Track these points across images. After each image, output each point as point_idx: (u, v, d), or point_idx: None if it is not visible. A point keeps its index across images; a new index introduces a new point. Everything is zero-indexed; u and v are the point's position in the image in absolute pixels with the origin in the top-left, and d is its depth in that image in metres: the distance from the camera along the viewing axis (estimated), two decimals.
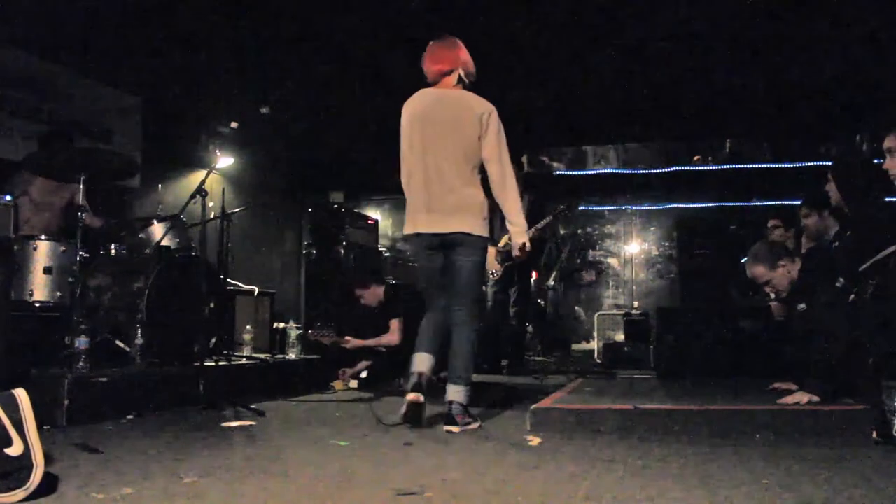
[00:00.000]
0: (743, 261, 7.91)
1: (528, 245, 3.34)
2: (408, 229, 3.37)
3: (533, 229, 6.00)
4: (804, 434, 2.85)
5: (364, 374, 5.24)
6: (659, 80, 6.68)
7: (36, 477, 1.87)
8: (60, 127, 5.31)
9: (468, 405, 3.20)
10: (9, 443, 1.88)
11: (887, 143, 3.00)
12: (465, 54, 3.36)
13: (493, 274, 6.27)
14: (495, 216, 6.29)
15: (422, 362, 3.23)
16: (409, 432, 3.07)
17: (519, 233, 3.33)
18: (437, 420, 3.33)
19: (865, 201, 3.69)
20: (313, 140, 8.07)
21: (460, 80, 3.34)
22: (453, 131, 3.24)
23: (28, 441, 1.89)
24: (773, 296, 3.86)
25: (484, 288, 6.59)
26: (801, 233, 4.87)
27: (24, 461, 1.88)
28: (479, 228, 3.25)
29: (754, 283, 3.79)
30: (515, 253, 3.38)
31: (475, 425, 3.14)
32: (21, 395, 1.95)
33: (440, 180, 3.23)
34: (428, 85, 3.39)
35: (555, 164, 10.90)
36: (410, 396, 3.14)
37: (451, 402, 3.14)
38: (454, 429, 3.06)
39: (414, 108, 3.34)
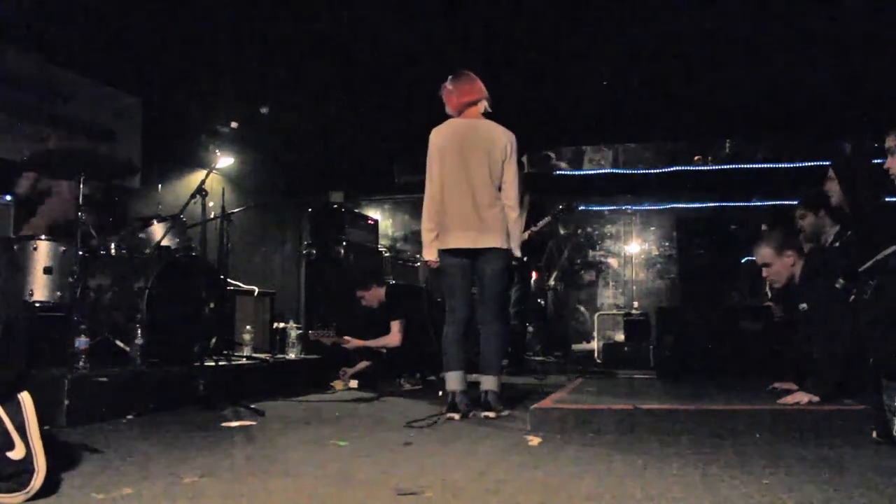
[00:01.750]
0: (743, 261, 7.93)
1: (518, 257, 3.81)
2: (443, 245, 3.68)
3: (530, 230, 6.03)
4: (804, 434, 2.85)
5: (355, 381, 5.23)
6: (659, 80, 6.68)
7: (37, 481, 1.87)
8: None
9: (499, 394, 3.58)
10: (11, 446, 1.88)
11: (888, 143, 3.01)
12: (483, 86, 3.74)
13: None
14: None
15: (455, 381, 3.55)
16: (409, 432, 3.07)
17: (515, 248, 3.74)
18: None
19: (867, 201, 3.69)
20: (313, 140, 8.06)
21: (485, 109, 3.73)
22: (486, 157, 3.63)
23: (30, 444, 1.89)
24: (768, 283, 3.87)
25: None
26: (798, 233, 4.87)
27: (26, 465, 1.88)
28: (505, 242, 3.64)
29: (756, 265, 3.81)
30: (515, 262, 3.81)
31: (507, 412, 3.54)
32: (24, 398, 1.94)
33: (475, 201, 3.60)
34: (448, 116, 3.76)
35: (555, 164, 10.90)
36: (447, 416, 3.42)
37: (486, 392, 3.53)
38: (491, 414, 3.44)
39: (447, 135, 3.70)
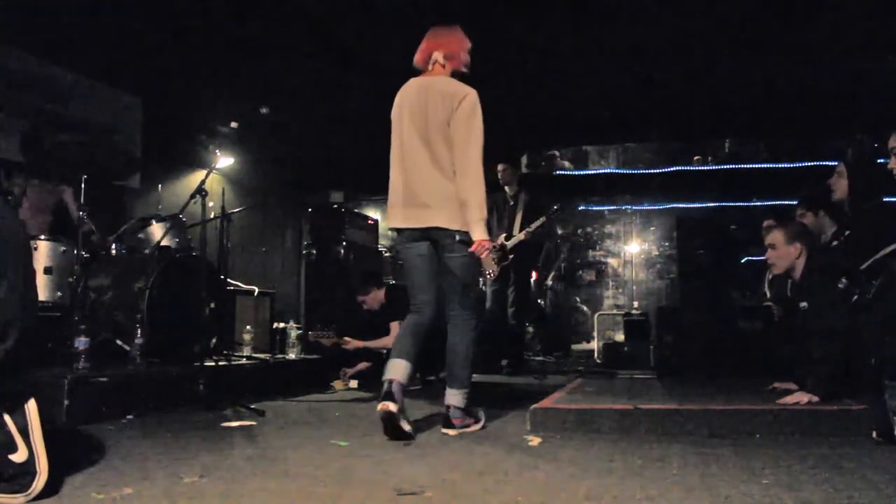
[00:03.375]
0: (743, 260, 7.92)
1: (486, 243, 3.04)
2: (389, 223, 3.23)
3: (525, 231, 6.04)
4: (804, 434, 2.85)
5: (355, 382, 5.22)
6: (659, 80, 6.68)
7: (39, 483, 1.87)
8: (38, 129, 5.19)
9: (470, 405, 3.15)
10: (13, 449, 1.89)
11: (892, 143, 3.01)
12: (452, 40, 3.21)
13: (490, 273, 6.28)
14: (492, 215, 6.36)
15: (395, 369, 3.01)
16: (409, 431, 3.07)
17: (478, 227, 3.01)
18: (436, 421, 3.33)
19: (873, 201, 3.69)
20: (313, 140, 8.06)
21: (446, 67, 3.18)
22: (435, 117, 3.05)
23: (33, 448, 1.90)
24: (767, 278, 3.86)
25: (483, 288, 6.60)
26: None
27: (29, 467, 1.88)
28: (458, 223, 3.02)
29: (756, 265, 3.80)
30: (473, 247, 3.04)
31: (475, 427, 3.11)
32: (30, 404, 1.95)
33: (421, 171, 3.06)
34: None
35: (554, 164, 10.90)
36: (380, 406, 2.88)
37: (448, 407, 3.10)
38: (451, 432, 3.03)
39: (400, 96, 3.22)
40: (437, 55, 3.17)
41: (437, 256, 3.14)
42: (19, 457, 1.88)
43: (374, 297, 5.41)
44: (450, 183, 3.03)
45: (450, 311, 3.16)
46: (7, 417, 1.90)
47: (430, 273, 3.16)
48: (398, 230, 3.17)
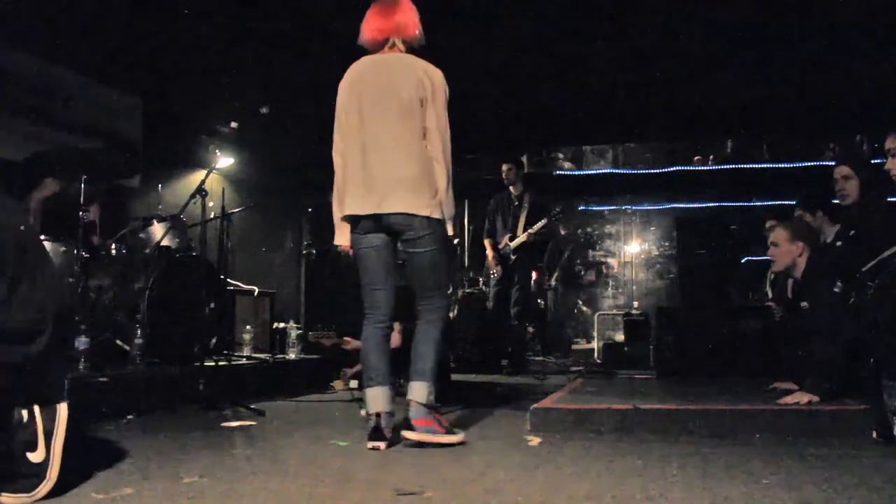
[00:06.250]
0: (743, 260, 7.92)
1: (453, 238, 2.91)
2: (341, 211, 2.87)
3: (528, 233, 6.05)
4: (804, 434, 2.85)
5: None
6: (659, 80, 6.68)
7: (42, 490, 1.88)
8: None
9: (436, 407, 2.82)
10: (33, 448, 1.91)
11: (889, 144, 3.01)
12: (409, 23, 2.90)
13: (493, 274, 6.28)
14: (496, 215, 6.36)
15: (377, 401, 2.74)
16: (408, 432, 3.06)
17: (450, 223, 2.88)
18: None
19: (878, 201, 3.68)
20: (313, 140, 8.05)
21: (403, 49, 2.91)
22: (396, 97, 2.78)
23: (51, 453, 1.92)
24: (768, 277, 3.84)
25: (485, 287, 6.61)
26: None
27: (39, 470, 1.90)
28: (429, 207, 2.75)
29: (757, 265, 3.79)
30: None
31: (446, 437, 2.68)
32: (61, 408, 1.98)
33: (382, 154, 2.76)
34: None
35: (555, 164, 10.90)
36: (370, 446, 2.65)
37: (409, 402, 2.74)
38: (412, 436, 2.67)
39: (350, 79, 2.91)
40: (396, 39, 2.87)
41: (394, 248, 2.87)
42: (36, 457, 1.90)
43: None
44: (416, 166, 2.76)
45: (423, 302, 2.85)
46: (38, 415, 1.93)
47: (387, 266, 2.86)
48: (354, 218, 2.81)
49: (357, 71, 2.92)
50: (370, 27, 2.89)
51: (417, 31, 2.92)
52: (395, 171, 2.75)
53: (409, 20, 2.90)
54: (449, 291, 3.06)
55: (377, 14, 2.90)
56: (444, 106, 2.84)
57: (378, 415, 2.72)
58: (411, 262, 2.84)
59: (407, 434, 2.70)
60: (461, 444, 2.71)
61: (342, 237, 2.93)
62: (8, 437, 1.89)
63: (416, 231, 2.76)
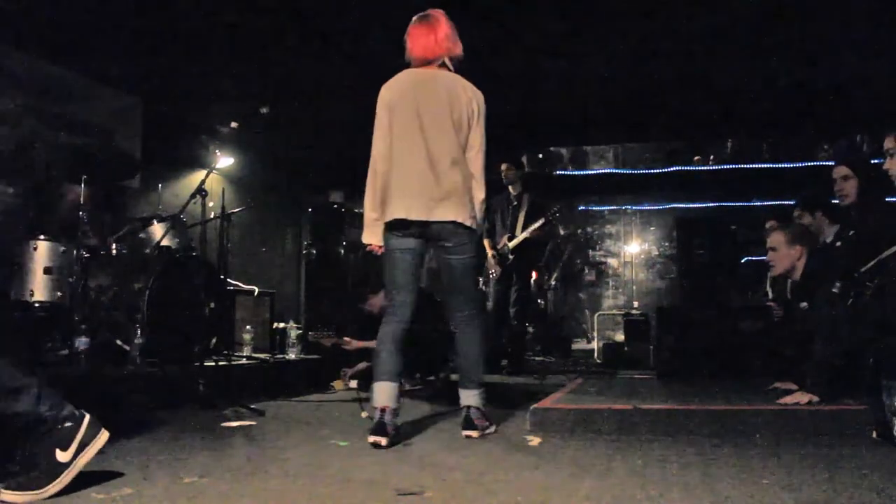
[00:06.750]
0: (743, 260, 7.92)
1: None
2: (387, 216, 2.97)
3: (525, 233, 6.05)
4: (804, 434, 2.85)
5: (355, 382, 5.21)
6: (659, 79, 6.68)
7: (52, 489, 1.92)
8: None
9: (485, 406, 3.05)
10: (65, 447, 1.97)
11: (887, 144, 3.01)
12: (457, 44, 3.08)
13: (492, 274, 6.28)
14: (495, 215, 6.36)
15: (385, 395, 2.84)
16: (408, 432, 3.07)
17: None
18: (436, 421, 3.33)
19: (877, 202, 3.68)
20: (313, 140, 8.06)
21: (445, 65, 3.08)
22: (447, 110, 2.96)
23: (74, 463, 1.98)
24: (768, 279, 3.84)
25: (484, 288, 6.61)
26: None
27: (56, 471, 1.95)
28: (471, 219, 2.97)
29: (756, 264, 3.79)
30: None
31: (492, 429, 3.01)
32: (103, 434, 2.08)
33: (432, 163, 2.92)
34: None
35: (555, 164, 10.90)
36: (372, 440, 2.70)
37: (468, 407, 2.98)
38: (474, 434, 2.91)
39: (398, 89, 3.04)
40: (446, 58, 3.06)
41: (423, 255, 3.03)
42: (62, 457, 1.96)
43: (378, 302, 5.41)
44: (463, 179, 2.96)
45: (457, 311, 3.06)
46: (85, 423, 2.03)
47: (415, 271, 3.02)
48: (397, 222, 2.94)
49: (409, 82, 3.05)
50: (420, 46, 3.05)
51: (460, 51, 3.10)
52: (446, 183, 2.92)
53: (456, 40, 3.09)
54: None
55: (424, 32, 3.06)
56: (484, 129, 3.05)
57: (384, 410, 2.80)
58: (450, 268, 3.02)
59: (470, 434, 2.91)
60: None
61: (373, 237, 3.07)
62: (45, 429, 1.98)
63: (460, 239, 2.96)
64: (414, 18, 3.10)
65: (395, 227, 2.96)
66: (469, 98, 3.01)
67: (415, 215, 2.91)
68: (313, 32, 5.67)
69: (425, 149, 2.94)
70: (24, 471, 1.94)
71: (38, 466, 1.93)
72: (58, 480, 1.92)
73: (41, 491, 1.89)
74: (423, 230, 2.95)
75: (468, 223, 2.96)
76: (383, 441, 2.69)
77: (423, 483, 2.07)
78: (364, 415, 3.44)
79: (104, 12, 5.14)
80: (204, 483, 2.08)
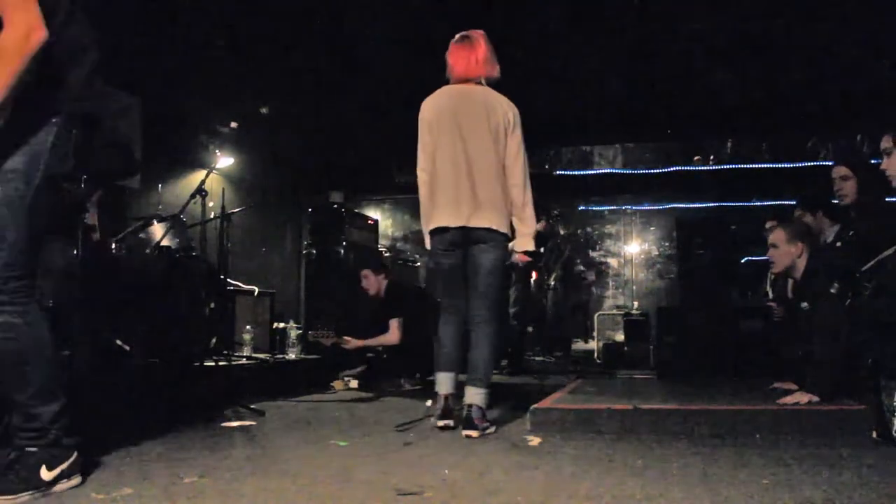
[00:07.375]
0: (743, 260, 7.92)
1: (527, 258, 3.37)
2: (432, 223, 3.24)
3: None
4: (804, 434, 2.85)
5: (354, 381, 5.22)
6: (659, 79, 6.68)
7: (23, 497, 1.92)
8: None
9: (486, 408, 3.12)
10: (51, 468, 1.98)
11: (884, 144, 3.01)
12: (496, 66, 3.33)
13: None
14: None
15: (448, 384, 3.17)
16: (409, 432, 3.07)
17: (529, 239, 3.32)
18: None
19: (876, 201, 3.68)
20: (313, 140, 8.06)
21: (480, 83, 3.31)
22: (485, 124, 3.19)
23: (53, 484, 1.99)
24: (768, 279, 3.84)
25: None
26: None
27: (35, 484, 1.96)
28: (504, 226, 3.19)
29: (756, 265, 3.79)
30: (518, 258, 3.36)
31: (492, 429, 3.07)
32: (78, 476, 2.07)
33: (471, 175, 3.16)
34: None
35: (555, 164, 10.88)
36: (440, 424, 3.08)
37: (470, 406, 3.04)
38: (473, 433, 2.96)
39: (437, 105, 3.27)
40: (483, 79, 3.28)
41: (472, 257, 3.22)
42: (45, 475, 1.97)
43: (376, 282, 5.39)
44: (500, 188, 3.19)
45: (476, 311, 3.20)
46: (75, 455, 2.05)
47: (463, 276, 3.24)
48: (442, 229, 3.19)
49: (447, 97, 3.28)
50: (462, 66, 3.27)
51: (498, 73, 3.34)
52: (484, 191, 3.15)
53: (495, 63, 3.32)
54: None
55: (465, 53, 3.28)
56: (522, 137, 3.27)
57: (447, 397, 3.15)
58: (478, 266, 3.19)
59: (469, 433, 2.97)
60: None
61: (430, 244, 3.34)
62: (43, 443, 2.00)
63: (494, 241, 3.18)
64: (455, 38, 3.32)
65: (438, 234, 3.22)
66: (505, 110, 3.24)
67: (454, 222, 3.15)
68: (313, 32, 5.67)
69: (465, 158, 3.17)
70: (11, 471, 1.93)
71: (17, 473, 1.93)
72: (35, 489, 1.93)
73: (17, 497, 1.89)
74: (463, 235, 3.17)
75: (502, 229, 3.17)
76: (452, 423, 3.06)
77: (423, 483, 2.07)
78: (429, 403, 3.74)
79: (104, 12, 5.14)
80: (204, 483, 2.08)
